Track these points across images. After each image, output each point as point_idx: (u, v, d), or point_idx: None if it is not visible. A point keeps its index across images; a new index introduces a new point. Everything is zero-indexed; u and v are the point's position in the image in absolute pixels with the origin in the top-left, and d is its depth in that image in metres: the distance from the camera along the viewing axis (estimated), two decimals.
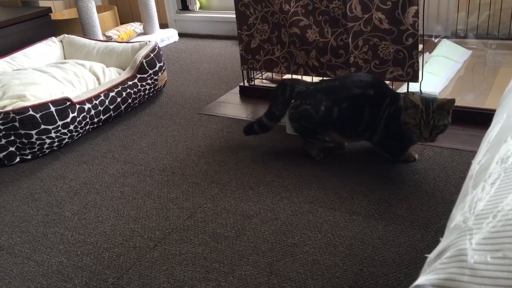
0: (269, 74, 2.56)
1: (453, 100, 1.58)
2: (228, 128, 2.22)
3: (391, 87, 2.06)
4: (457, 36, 2.94)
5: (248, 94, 2.57)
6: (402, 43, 2.04)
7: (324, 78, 2.20)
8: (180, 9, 4.01)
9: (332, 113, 1.80)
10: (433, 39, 2.92)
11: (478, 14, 2.85)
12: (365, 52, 2.12)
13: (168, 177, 1.87)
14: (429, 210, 1.53)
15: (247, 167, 1.88)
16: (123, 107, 2.40)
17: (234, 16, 3.66)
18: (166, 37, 3.72)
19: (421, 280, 0.46)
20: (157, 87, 2.62)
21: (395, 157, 1.82)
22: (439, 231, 1.43)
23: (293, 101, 1.87)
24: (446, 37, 2.92)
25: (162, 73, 2.64)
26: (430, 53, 2.68)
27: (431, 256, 0.51)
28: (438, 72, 2.44)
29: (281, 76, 2.52)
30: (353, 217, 1.53)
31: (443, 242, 0.50)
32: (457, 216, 0.53)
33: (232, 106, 2.48)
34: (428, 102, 1.59)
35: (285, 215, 1.58)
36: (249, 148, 2.03)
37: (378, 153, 1.85)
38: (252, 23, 2.36)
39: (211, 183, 1.80)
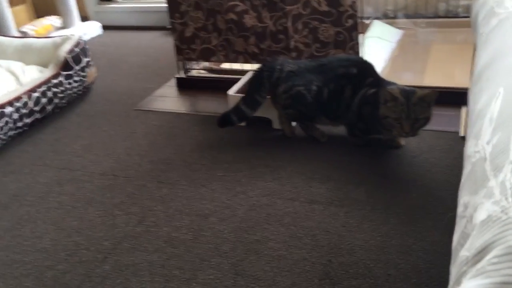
0: (206, 64, 2.45)
1: (434, 92, 1.52)
2: (169, 123, 2.09)
3: None
4: (387, 17, 2.98)
5: (186, 86, 2.44)
6: (342, 25, 2.01)
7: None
8: (101, 0, 3.77)
9: (323, 95, 1.72)
10: (364, 20, 2.93)
11: None
12: (306, 35, 2.07)
13: (110, 180, 1.72)
14: (387, 192, 1.51)
15: (195, 163, 1.77)
16: (49, 108, 2.19)
17: (161, 5, 3.51)
18: (89, 30, 3.48)
19: (471, 285, 0.40)
20: (85, 84, 2.43)
21: (354, 138, 1.76)
22: (401, 213, 1.41)
23: (282, 84, 1.75)
24: (377, 18, 2.94)
25: (90, 68, 2.44)
26: (363, 35, 2.68)
27: (465, 254, 0.45)
28: (376, 53, 2.44)
29: (219, 66, 2.42)
30: (313, 206, 1.48)
31: (479, 238, 0.44)
32: (485, 206, 0.47)
33: (170, 100, 2.35)
34: (408, 94, 1.52)
35: (243, 210, 1.49)
36: (195, 142, 1.92)
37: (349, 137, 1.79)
38: (185, 10, 2.23)
39: (159, 183, 1.68)
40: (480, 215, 0.47)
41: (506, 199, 0.44)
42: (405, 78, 2.22)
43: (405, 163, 1.65)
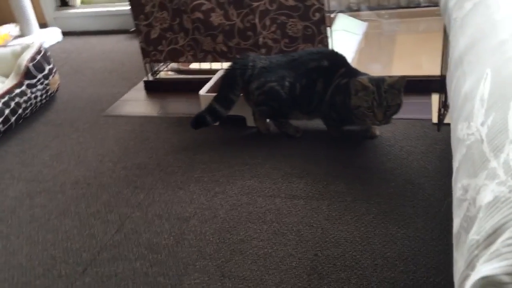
0: (174, 65, 2.40)
1: (403, 78, 1.52)
2: (140, 127, 2.04)
3: None
4: (351, 10, 3.00)
5: (155, 88, 2.40)
6: (309, 19, 2.01)
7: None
8: (60, 6, 3.66)
9: (296, 90, 1.71)
10: (328, 14, 2.95)
11: None
12: (274, 31, 2.06)
13: (84, 190, 1.67)
14: (367, 183, 1.51)
15: (171, 166, 1.73)
16: (13, 119, 2.10)
17: (122, 8, 3.45)
18: (48, 37, 3.37)
19: (486, 269, 0.39)
20: (49, 92, 2.35)
21: (330, 129, 1.77)
22: (382, 202, 1.41)
23: (255, 81, 1.73)
24: (341, 11, 2.96)
25: (53, 76, 2.36)
26: (331, 28, 2.69)
27: (475, 237, 0.44)
28: (342, 46, 2.46)
29: (188, 66, 2.38)
30: (294, 202, 1.47)
31: (488, 220, 0.43)
32: (489, 187, 0.46)
33: (139, 104, 2.29)
34: (378, 82, 1.53)
35: (223, 211, 1.47)
36: (168, 145, 1.88)
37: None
38: (150, 11, 2.19)
39: (135, 189, 1.63)
40: (485, 197, 0.46)
41: None
42: (374, 70, 2.24)
43: (382, 153, 1.66)
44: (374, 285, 1.15)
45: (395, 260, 1.21)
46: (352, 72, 1.68)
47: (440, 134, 1.70)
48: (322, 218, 1.39)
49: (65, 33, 3.53)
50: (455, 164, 0.62)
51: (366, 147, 1.70)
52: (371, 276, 1.17)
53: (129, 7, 2.21)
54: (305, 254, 1.27)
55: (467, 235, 0.49)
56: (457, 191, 0.56)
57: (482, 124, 0.55)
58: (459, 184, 0.56)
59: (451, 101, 0.80)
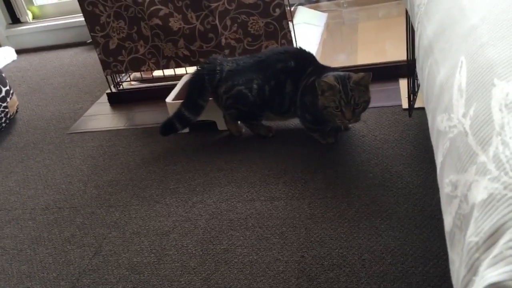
0: (137, 74, 2.34)
1: (369, 74, 1.49)
2: (108, 142, 1.98)
3: None
4: (310, 2, 2.98)
5: (119, 100, 2.33)
6: (270, 15, 1.98)
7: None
8: (11, 23, 3.52)
9: (265, 92, 1.67)
10: (289, 8, 2.93)
11: None
12: (235, 31, 2.02)
13: (55, 214, 1.60)
14: (345, 176, 1.50)
15: (144, 180, 1.68)
16: None
17: (76, 20, 3.34)
18: (2, 57, 3.24)
19: (492, 274, 0.36)
20: (8, 115, 2.25)
21: (315, 135, 1.69)
22: (362, 195, 1.40)
23: (223, 85, 1.69)
24: (300, 4, 2.94)
25: (11, 98, 2.27)
26: (292, 22, 2.67)
27: (473, 239, 0.42)
28: (305, 39, 2.44)
29: (152, 74, 2.32)
30: (275, 203, 1.44)
31: (486, 220, 0.41)
32: (481, 184, 0.44)
33: (104, 118, 2.22)
34: (344, 80, 1.48)
35: (203, 221, 1.43)
36: (139, 158, 1.82)
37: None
38: (105, 21, 2.12)
39: (109, 208, 1.57)
40: (479, 194, 0.44)
41: (506, 174, 0.41)
42: (339, 60, 2.23)
43: (356, 144, 1.65)
44: (364, 281, 1.13)
45: (381, 253, 1.20)
46: (320, 70, 1.63)
47: (412, 120, 1.70)
48: (305, 218, 1.36)
49: (19, 51, 3.40)
50: (439, 158, 0.59)
51: (340, 140, 1.69)
52: (360, 272, 1.16)
53: (83, 19, 2.14)
54: (291, 257, 1.24)
55: (463, 235, 0.47)
56: (445, 187, 0.54)
57: (464, 116, 0.53)
58: (447, 179, 0.54)
59: (425, 90, 0.78)
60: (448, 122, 0.57)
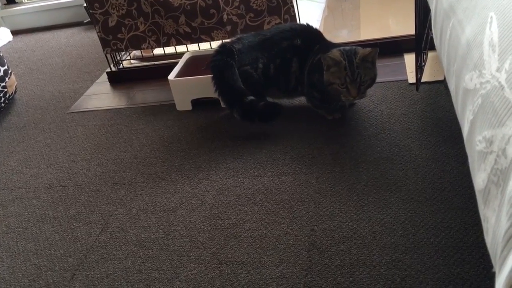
0: (137, 53, 2.31)
1: (376, 49, 1.46)
2: (110, 121, 1.95)
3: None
4: None
5: (119, 79, 2.30)
6: None
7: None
8: (5, 4, 3.46)
9: (270, 71, 1.64)
10: None
11: None
12: (237, 6, 1.99)
13: (59, 192, 1.58)
14: (352, 151, 1.49)
15: (148, 157, 1.66)
16: None
17: (73, 0, 3.29)
18: None
19: None
20: (7, 95, 2.22)
21: (321, 112, 1.67)
22: (371, 168, 1.39)
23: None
24: None
25: (9, 78, 2.23)
26: None
27: (491, 240, 0.40)
28: (308, 15, 2.41)
29: (152, 52, 2.29)
30: (282, 179, 1.43)
31: (503, 218, 0.39)
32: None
33: (105, 97, 2.19)
34: (350, 56, 1.45)
35: (210, 197, 1.42)
36: (142, 136, 1.80)
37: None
38: None
39: (114, 185, 1.56)
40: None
41: None
42: (342, 36, 2.20)
43: (363, 119, 1.63)
44: (376, 253, 1.13)
45: (392, 225, 1.19)
46: (327, 47, 1.58)
47: (418, 94, 1.68)
48: (313, 192, 1.35)
49: (14, 32, 3.35)
50: (468, 117, 0.58)
51: (346, 115, 1.67)
52: (371, 244, 1.15)
53: None
54: (301, 230, 1.23)
55: (500, 190, 0.46)
56: (477, 145, 0.53)
57: (498, 70, 0.51)
58: (479, 136, 0.52)
59: (446, 53, 0.76)
60: (479, 78, 0.55)
